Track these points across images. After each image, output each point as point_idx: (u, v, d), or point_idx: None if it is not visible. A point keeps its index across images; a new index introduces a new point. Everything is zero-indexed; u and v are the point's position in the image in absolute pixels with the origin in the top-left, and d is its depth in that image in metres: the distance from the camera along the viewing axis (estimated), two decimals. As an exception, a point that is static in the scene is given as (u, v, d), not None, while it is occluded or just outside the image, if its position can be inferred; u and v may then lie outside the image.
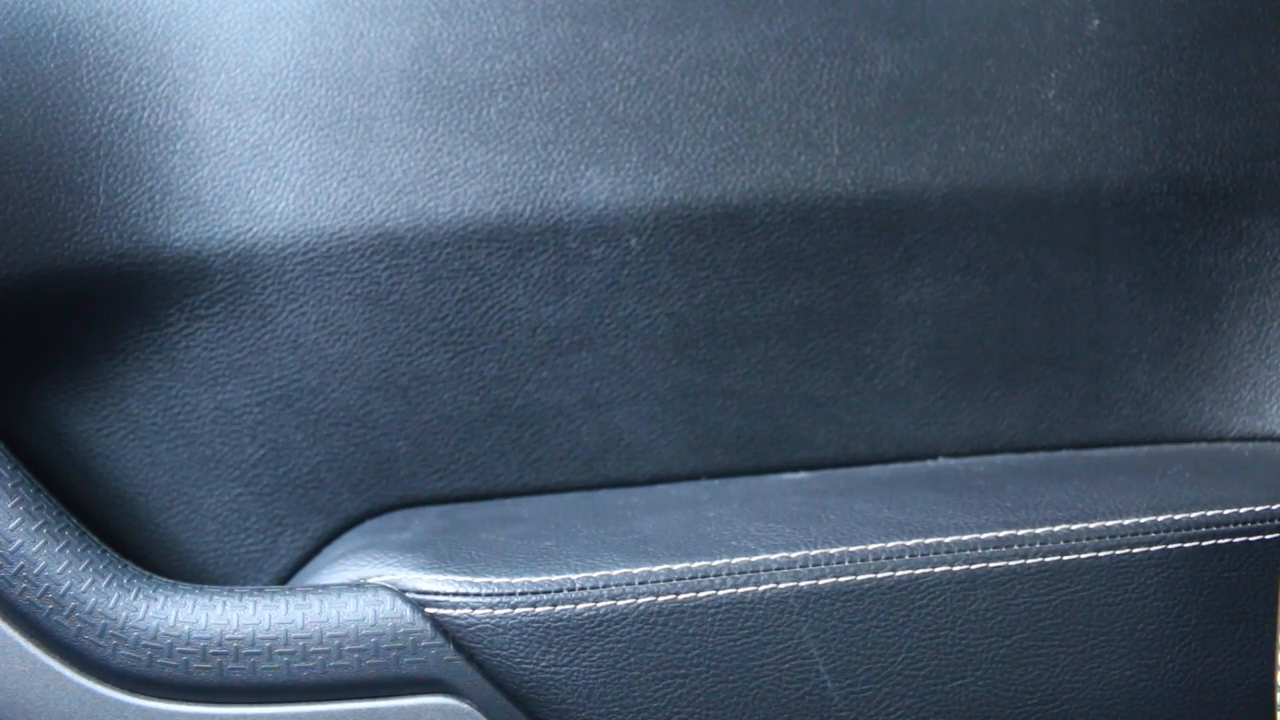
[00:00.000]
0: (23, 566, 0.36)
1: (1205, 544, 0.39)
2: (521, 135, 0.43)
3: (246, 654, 0.36)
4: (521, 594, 0.36)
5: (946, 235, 0.44)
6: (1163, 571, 0.39)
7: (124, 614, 0.36)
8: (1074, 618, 0.38)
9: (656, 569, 0.37)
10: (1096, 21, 0.46)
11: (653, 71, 0.44)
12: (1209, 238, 0.45)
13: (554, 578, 0.37)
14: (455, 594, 0.36)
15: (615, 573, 0.37)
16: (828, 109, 0.44)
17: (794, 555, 0.37)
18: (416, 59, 0.43)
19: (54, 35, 0.41)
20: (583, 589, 0.37)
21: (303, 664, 0.36)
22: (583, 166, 0.43)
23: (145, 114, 0.42)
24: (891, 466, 0.45)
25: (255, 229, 0.42)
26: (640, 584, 0.37)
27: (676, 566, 0.37)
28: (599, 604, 0.36)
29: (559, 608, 0.36)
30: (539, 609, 0.36)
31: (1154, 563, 0.39)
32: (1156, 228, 0.45)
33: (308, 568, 0.44)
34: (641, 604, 0.36)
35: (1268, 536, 0.39)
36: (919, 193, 0.44)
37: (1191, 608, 0.39)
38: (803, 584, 0.36)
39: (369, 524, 0.44)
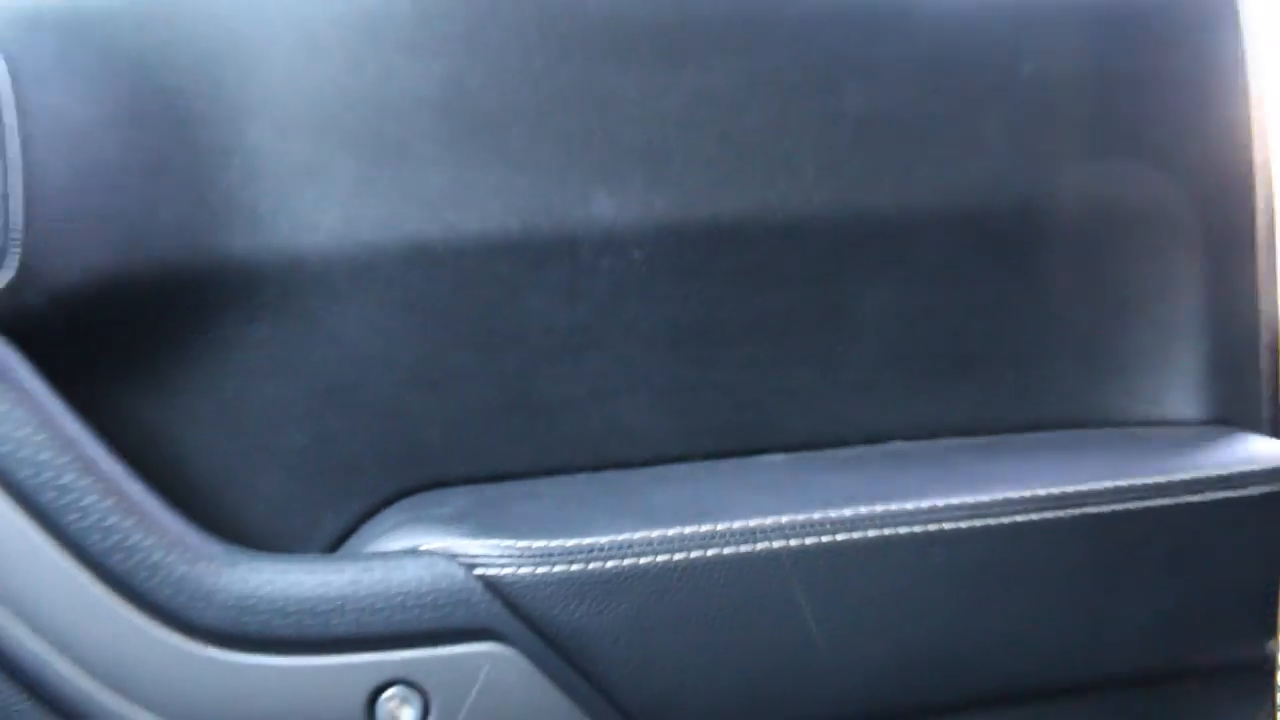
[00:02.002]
0: (120, 540, 0.40)
1: (1117, 508, 0.47)
2: (539, 160, 0.48)
3: (321, 611, 0.41)
4: (558, 555, 0.43)
5: (904, 250, 0.51)
6: (1082, 531, 0.47)
7: (210, 580, 0.41)
8: (1013, 571, 0.46)
9: (670, 533, 0.43)
10: (1030, 66, 0.54)
11: (654, 105, 0.49)
12: (1121, 254, 0.53)
13: (584, 541, 0.43)
14: (500, 556, 0.42)
15: (636, 536, 0.43)
16: (805, 140, 0.50)
17: (783, 520, 0.43)
18: (446, 90, 0.48)
19: (126, 64, 0.45)
20: (609, 550, 0.43)
21: (371, 618, 0.41)
22: (593, 188, 0.48)
23: (206, 136, 0.46)
24: (858, 448, 0.51)
25: (303, 241, 0.46)
26: (658, 545, 0.43)
27: (687, 530, 0.43)
28: (623, 562, 0.42)
29: (590, 566, 0.42)
30: (573, 567, 0.42)
31: (1075, 524, 0.46)
32: (1079, 244, 0.53)
33: (350, 542, 0.49)
34: (659, 561, 0.43)
35: (1166, 502, 0.47)
36: (881, 213, 0.51)
37: (1106, 561, 0.47)
38: (791, 544, 0.43)
39: (404, 503, 0.48)
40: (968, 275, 0.51)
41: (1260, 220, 0.53)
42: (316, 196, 0.46)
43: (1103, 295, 0.53)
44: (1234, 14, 0.53)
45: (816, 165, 0.50)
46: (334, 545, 0.49)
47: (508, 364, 0.49)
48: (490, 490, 0.48)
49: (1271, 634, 0.49)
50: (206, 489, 0.47)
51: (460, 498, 0.47)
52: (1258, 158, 0.54)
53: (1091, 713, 0.47)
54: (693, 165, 0.50)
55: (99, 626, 0.40)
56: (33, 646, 0.39)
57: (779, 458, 0.51)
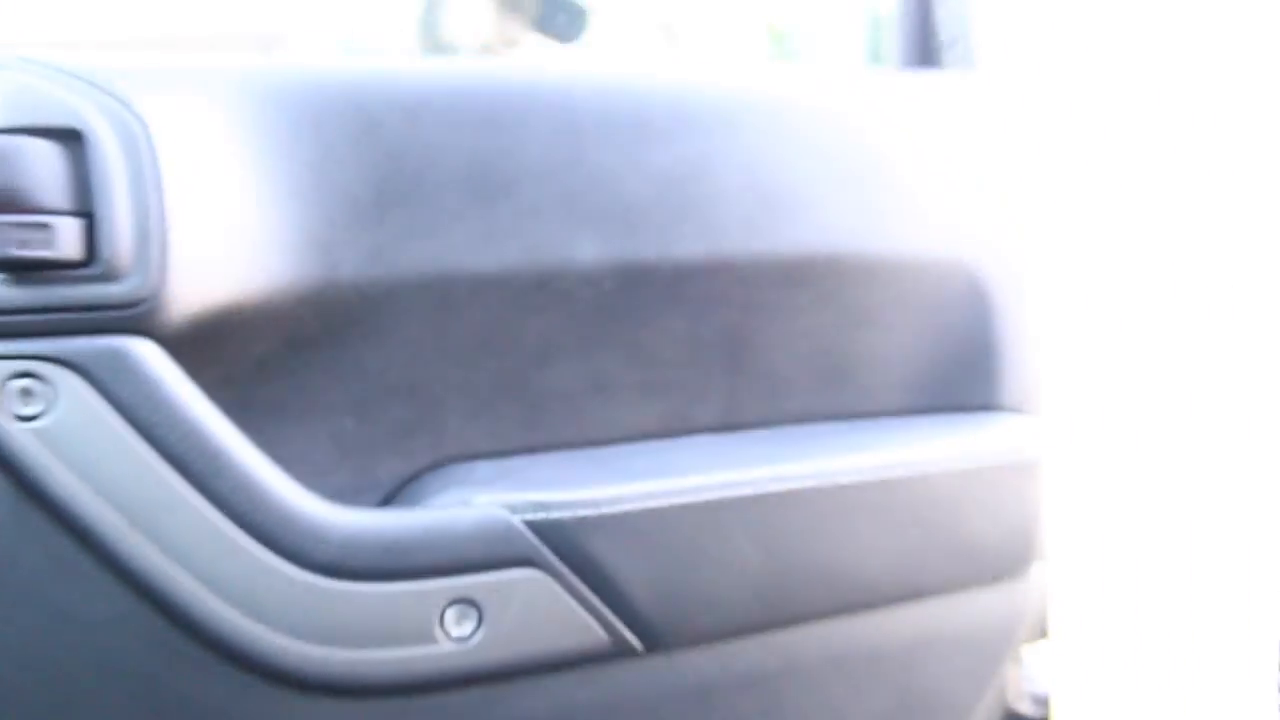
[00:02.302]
0: (256, 497, 0.52)
1: (951, 470, 0.63)
2: (538, 213, 0.60)
3: (406, 549, 0.54)
4: (577, 504, 0.57)
5: (768, 287, 0.64)
6: (913, 496, 0.62)
7: (322, 527, 0.53)
8: (860, 525, 0.61)
9: (660, 485, 0.58)
10: (790, 149, 0.64)
11: (623, 173, 0.61)
12: (907, 286, 0.67)
13: (595, 493, 0.57)
14: (536, 505, 0.56)
15: (637, 487, 0.58)
16: (721, 206, 0.63)
17: (725, 477, 0.59)
18: (470, 160, 0.59)
19: (238, 123, 0.54)
20: (619, 498, 0.57)
21: (442, 553, 0.54)
22: (578, 235, 0.61)
23: (298, 188, 0.55)
24: (752, 432, 0.66)
25: (364, 271, 0.57)
26: (652, 495, 0.58)
27: (671, 484, 0.58)
28: (630, 507, 0.56)
29: (604, 511, 0.56)
30: (593, 513, 0.56)
31: (908, 491, 0.61)
32: (887, 281, 0.66)
33: (396, 503, 0.60)
34: (649, 508, 0.57)
35: (942, 468, 0.63)
36: (793, 255, 0.64)
37: (937, 522, 0.63)
38: (731, 495, 0.58)
39: (438, 473, 0.60)
40: (784, 306, 0.65)
41: (1019, 260, 0.68)
42: (374, 238, 0.58)
43: (927, 312, 0.68)
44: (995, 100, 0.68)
45: (727, 223, 0.63)
46: (382, 505, 0.60)
47: (511, 366, 0.61)
48: (509, 462, 0.62)
49: (1021, 570, 0.68)
50: (281, 462, 0.56)
51: (487, 468, 0.61)
52: (1015, 193, 0.69)
53: (888, 620, 0.65)
54: (650, 219, 0.62)
55: (240, 567, 0.51)
56: (189, 586, 0.50)
57: (701, 437, 0.65)
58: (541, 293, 0.59)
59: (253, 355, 0.54)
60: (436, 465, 0.59)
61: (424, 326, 0.58)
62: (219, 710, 0.51)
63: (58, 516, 0.47)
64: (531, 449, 0.61)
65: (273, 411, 0.56)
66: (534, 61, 0.68)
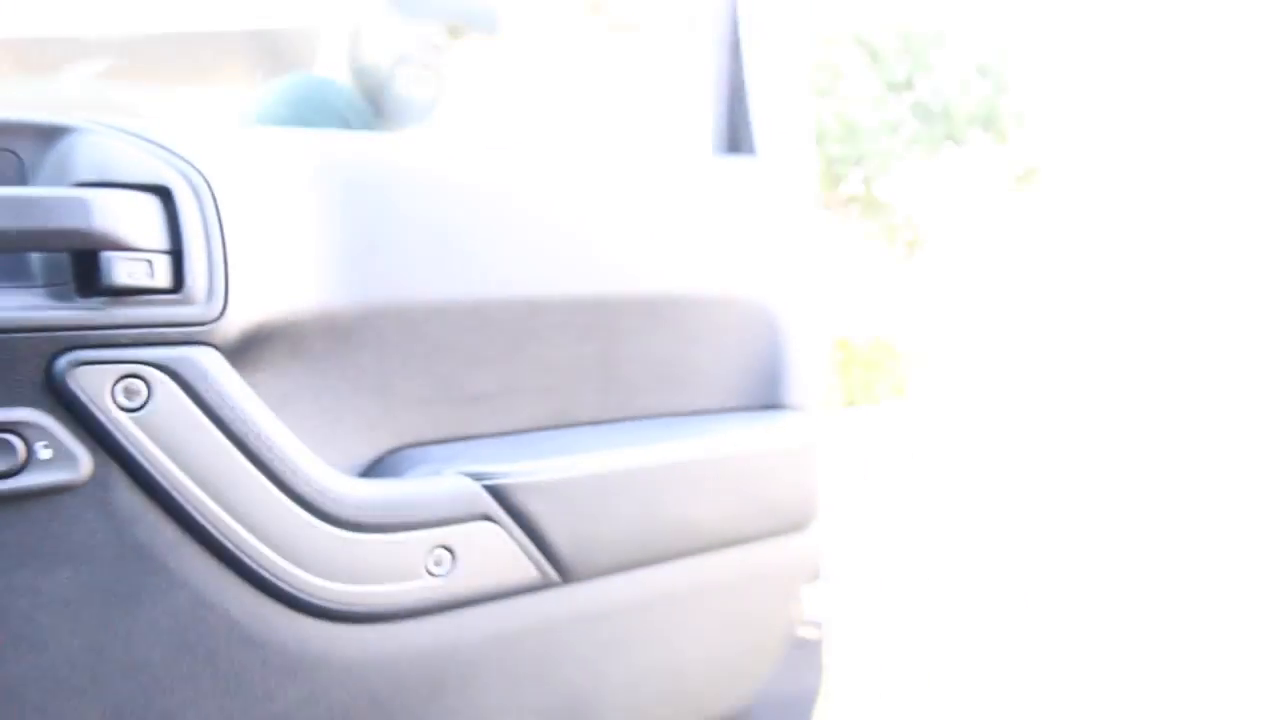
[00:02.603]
0: (294, 467, 0.70)
1: (756, 451, 0.88)
2: (472, 259, 0.82)
3: (402, 507, 0.76)
4: (521, 473, 0.80)
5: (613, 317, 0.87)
6: (731, 470, 0.87)
7: (340, 491, 0.73)
8: (698, 490, 0.87)
9: (568, 461, 0.83)
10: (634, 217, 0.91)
11: (532, 230, 0.85)
12: (741, 322, 0.89)
13: (532, 466, 0.81)
14: (492, 475, 0.79)
15: (555, 463, 0.83)
16: (597, 257, 0.86)
17: (609, 456, 0.83)
18: (437, 218, 0.81)
19: (287, 180, 0.71)
20: (545, 470, 0.81)
21: (426, 510, 0.76)
22: (499, 276, 0.83)
23: (320, 236, 0.74)
24: (616, 424, 0.89)
25: (350, 300, 0.76)
26: (565, 469, 0.84)
27: (575, 461, 0.83)
28: (552, 477, 0.81)
29: (537, 479, 0.80)
30: (529, 480, 0.80)
31: (727, 466, 0.87)
32: (696, 314, 0.90)
33: (369, 478, 0.79)
34: (566, 477, 0.82)
35: (768, 448, 0.87)
36: (624, 294, 0.86)
37: (748, 488, 0.87)
38: (617, 469, 0.82)
39: (401, 454, 0.80)
40: (621, 332, 0.88)
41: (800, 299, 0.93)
42: (362, 274, 0.77)
43: (713, 337, 0.92)
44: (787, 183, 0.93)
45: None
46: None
47: (449, 373, 0.81)
48: (446, 447, 0.82)
49: (805, 525, 0.94)
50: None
51: (441, 450, 0.81)
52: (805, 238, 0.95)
53: (722, 560, 0.90)
54: (576, 263, 0.86)
55: (283, 524, 0.68)
56: (247, 539, 0.67)
57: (581, 429, 0.89)
58: (473, 317, 0.78)
59: (275, 362, 0.69)
60: (394, 450, 0.78)
61: (390, 342, 0.75)
62: (264, 639, 0.65)
63: (150, 486, 0.62)
64: (465, 437, 0.81)
65: (284, 405, 0.72)
66: (474, 145, 0.87)
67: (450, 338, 0.76)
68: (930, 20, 23.26)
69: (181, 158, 0.63)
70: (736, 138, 0.92)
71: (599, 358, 0.83)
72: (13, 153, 0.60)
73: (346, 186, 0.72)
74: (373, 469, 0.76)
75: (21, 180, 0.61)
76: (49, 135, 0.62)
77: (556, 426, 0.82)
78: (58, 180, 0.61)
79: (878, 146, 23.61)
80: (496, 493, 0.76)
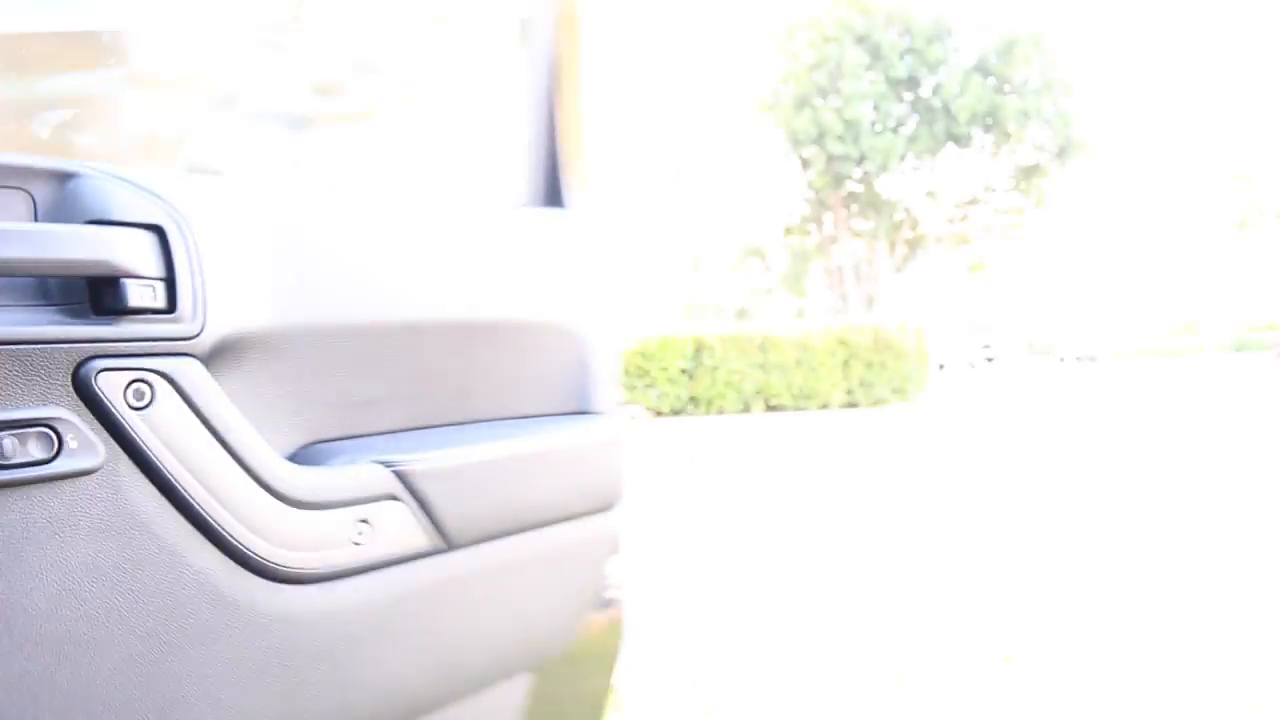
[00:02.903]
0: (259, 458, 0.79)
1: (571, 446, 1.05)
2: (376, 286, 0.92)
3: (333, 489, 0.84)
4: (417, 461, 0.90)
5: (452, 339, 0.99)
6: (555, 461, 1.02)
7: (289, 478, 0.81)
8: (532, 477, 1.01)
9: (444, 454, 0.93)
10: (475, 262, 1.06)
11: (401, 273, 0.95)
12: (556, 343, 1.08)
13: (422, 456, 0.91)
14: (398, 463, 0.89)
15: (436, 454, 0.92)
16: (448, 292, 1.00)
17: (469, 450, 0.95)
18: (336, 252, 0.90)
19: (248, 224, 0.83)
20: (431, 459, 0.91)
21: (352, 491, 0.85)
22: (399, 301, 0.94)
23: (265, 271, 0.83)
24: (465, 425, 1.01)
25: (289, 321, 0.84)
26: (442, 459, 0.92)
27: (448, 453, 0.93)
28: (437, 465, 0.91)
29: (428, 466, 0.90)
30: (423, 468, 0.90)
31: (551, 458, 1.02)
32: (532, 337, 1.05)
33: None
34: (445, 465, 0.92)
35: (580, 444, 1.05)
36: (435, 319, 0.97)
37: (568, 477, 1.04)
38: (474, 460, 0.95)
39: (313, 448, 0.87)
40: (484, 349, 1.02)
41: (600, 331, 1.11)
42: (299, 300, 0.86)
43: (535, 355, 1.08)
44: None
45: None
46: None
47: (347, 381, 0.90)
48: (349, 443, 0.90)
49: (610, 508, 1.10)
50: None
51: (344, 446, 0.90)
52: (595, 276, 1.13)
53: (554, 533, 1.05)
54: (415, 297, 0.97)
55: (249, 502, 0.78)
56: (223, 515, 0.76)
57: (444, 429, 0.99)
58: (364, 336, 0.91)
59: (227, 371, 0.80)
60: (307, 445, 0.87)
61: (304, 355, 0.86)
62: (233, 599, 0.77)
63: (151, 471, 0.72)
64: (357, 435, 0.91)
65: (236, 404, 0.83)
66: (370, 197, 1.01)
67: (347, 353, 0.88)
68: (933, 16, 23.44)
69: (166, 201, 0.75)
70: (554, 192, 1.14)
71: (453, 371, 0.98)
72: (27, 192, 0.71)
73: (276, 228, 0.86)
74: (293, 459, 0.87)
75: (33, 216, 0.71)
76: (59, 178, 0.73)
77: (423, 427, 0.96)
78: (68, 217, 0.71)
79: (878, 144, 23.73)
80: (401, 477, 0.89)
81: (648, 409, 13.57)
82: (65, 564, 0.67)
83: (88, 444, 0.68)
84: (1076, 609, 3.24)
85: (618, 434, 1.09)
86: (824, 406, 13.81)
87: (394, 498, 0.87)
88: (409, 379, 0.93)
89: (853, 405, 14.17)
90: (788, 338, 13.81)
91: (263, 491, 0.78)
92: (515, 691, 1.03)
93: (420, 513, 0.89)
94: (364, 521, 0.85)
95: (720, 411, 13.55)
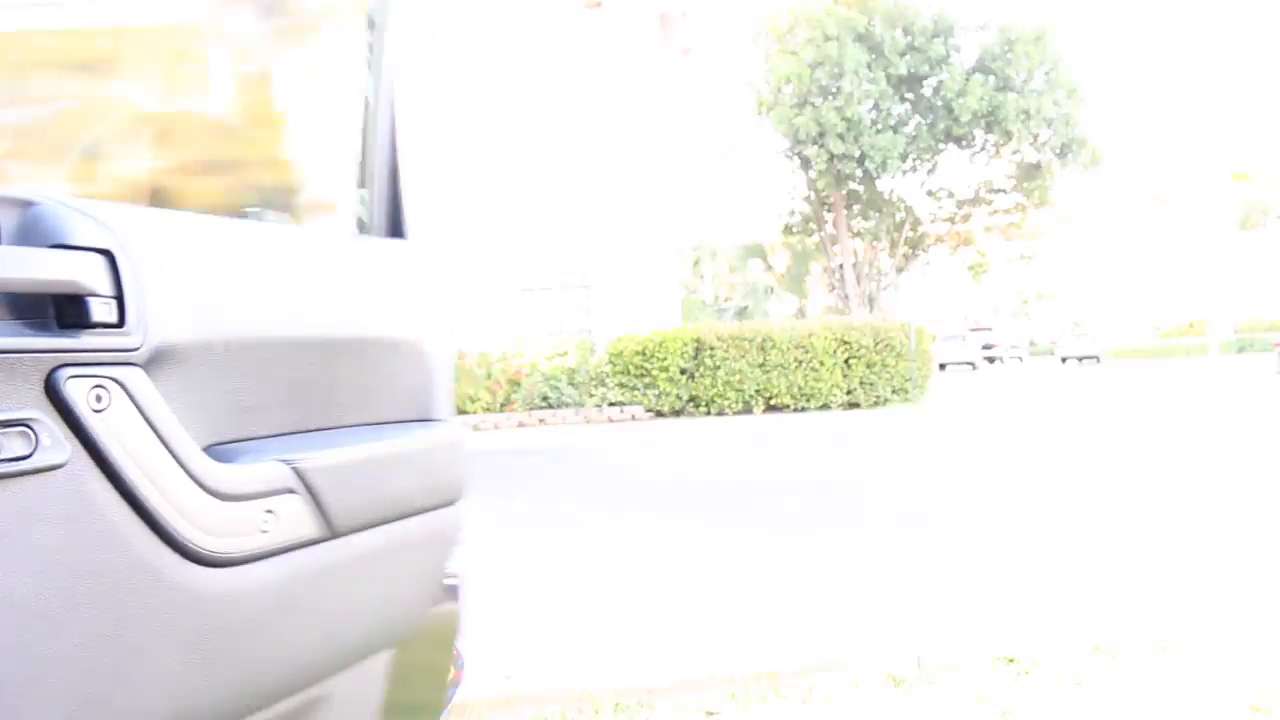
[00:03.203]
0: (190, 455, 0.87)
1: (422, 449, 1.18)
2: (265, 305, 1.00)
3: (247, 483, 0.91)
4: (309, 459, 0.99)
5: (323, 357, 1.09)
6: (409, 460, 1.16)
7: (215, 470, 0.89)
8: (396, 475, 1.12)
9: (326, 452, 1.01)
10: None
11: (298, 285, 1.05)
12: (406, 358, 1.19)
13: (312, 455, 0.99)
14: (295, 461, 0.97)
15: (323, 453, 1.01)
16: (310, 312, 1.08)
17: (345, 450, 1.06)
18: (238, 273, 0.99)
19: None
20: (320, 458, 1.00)
21: (260, 485, 0.93)
22: (284, 319, 1.02)
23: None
24: (334, 430, 1.09)
25: (184, 335, 0.90)
26: (325, 457, 1.01)
27: (331, 452, 1.02)
28: (324, 463, 1.00)
29: (317, 464, 1.00)
30: (314, 465, 0.99)
31: (405, 458, 1.14)
32: (385, 352, 1.15)
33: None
34: (328, 464, 1.01)
35: (429, 447, 1.19)
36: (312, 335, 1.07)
37: (420, 474, 1.17)
38: (350, 459, 1.05)
39: (215, 448, 0.93)
40: (346, 363, 1.12)
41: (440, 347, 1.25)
42: (195, 316, 0.92)
43: (388, 367, 1.17)
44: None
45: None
46: None
47: (250, 387, 0.98)
48: (250, 443, 0.97)
49: (454, 502, 1.23)
50: None
51: (249, 445, 0.97)
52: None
53: (415, 524, 1.16)
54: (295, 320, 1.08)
55: (183, 493, 0.86)
56: (164, 508, 0.84)
57: (319, 432, 1.08)
58: (251, 350, 0.98)
59: (161, 377, 0.88)
60: (209, 446, 0.93)
61: (205, 366, 0.93)
62: (170, 581, 0.85)
63: (106, 466, 0.80)
64: (254, 437, 0.99)
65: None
66: (259, 227, 1.12)
67: (238, 365, 0.96)
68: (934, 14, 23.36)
69: (110, 227, 0.84)
70: (397, 224, 1.30)
71: (321, 382, 1.08)
72: None
73: (187, 252, 0.94)
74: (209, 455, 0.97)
75: None
76: (19, 205, 0.81)
77: (296, 431, 1.04)
78: (30, 241, 0.80)
79: (879, 143, 23.65)
80: (298, 472, 0.99)
81: (647, 409, 13.52)
82: (40, 548, 0.75)
83: (58, 442, 0.76)
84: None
85: (460, 438, 1.26)
86: (824, 407, 13.74)
87: (292, 491, 0.97)
88: (286, 388, 1.02)
89: (854, 405, 14.08)
90: (788, 337, 13.75)
91: (194, 485, 0.87)
92: (381, 664, 1.18)
93: (312, 504, 1.00)
94: (269, 512, 0.95)
95: (721, 412, 13.48)
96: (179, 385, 0.89)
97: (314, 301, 1.08)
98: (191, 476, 0.87)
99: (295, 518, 0.98)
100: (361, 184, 1.27)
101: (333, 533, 1.02)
